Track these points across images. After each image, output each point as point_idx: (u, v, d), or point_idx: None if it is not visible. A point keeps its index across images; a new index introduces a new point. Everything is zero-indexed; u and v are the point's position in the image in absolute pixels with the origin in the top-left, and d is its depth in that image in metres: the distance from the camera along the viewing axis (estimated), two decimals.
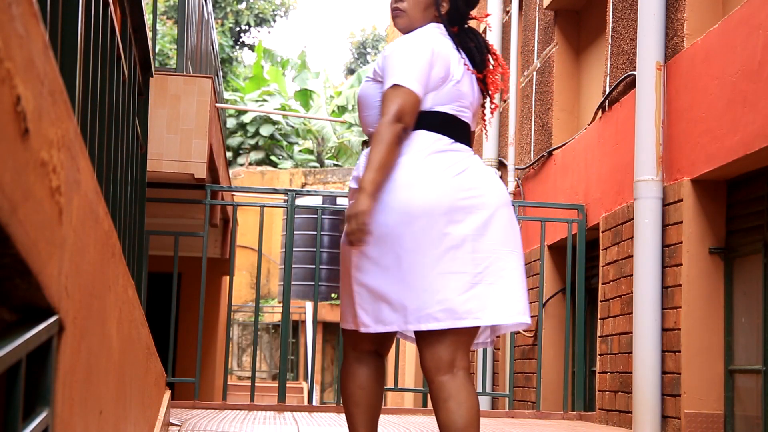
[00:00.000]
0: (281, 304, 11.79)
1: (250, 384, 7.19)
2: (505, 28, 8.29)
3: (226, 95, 22.59)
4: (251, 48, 27.38)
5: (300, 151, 24.04)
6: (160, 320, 6.41)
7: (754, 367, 4.35)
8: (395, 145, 2.76)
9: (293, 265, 6.74)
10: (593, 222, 5.91)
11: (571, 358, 6.21)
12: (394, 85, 2.77)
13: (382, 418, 4.69)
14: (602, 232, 5.65)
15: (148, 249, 4.98)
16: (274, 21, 27.23)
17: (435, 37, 2.91)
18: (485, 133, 3.29)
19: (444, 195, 2.75)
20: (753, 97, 4.07)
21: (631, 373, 4.90)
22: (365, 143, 3.06)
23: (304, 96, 24.66)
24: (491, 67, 3.03)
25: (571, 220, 6.08)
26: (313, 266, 17.00)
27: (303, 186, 19.70)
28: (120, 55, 2.58)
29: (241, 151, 23.26)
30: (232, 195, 9.12)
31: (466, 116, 2.95)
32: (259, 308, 11.32)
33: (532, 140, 7.44)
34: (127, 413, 1.99)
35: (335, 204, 15.89)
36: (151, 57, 3.56)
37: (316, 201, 15.99)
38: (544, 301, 6.50)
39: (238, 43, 27.28)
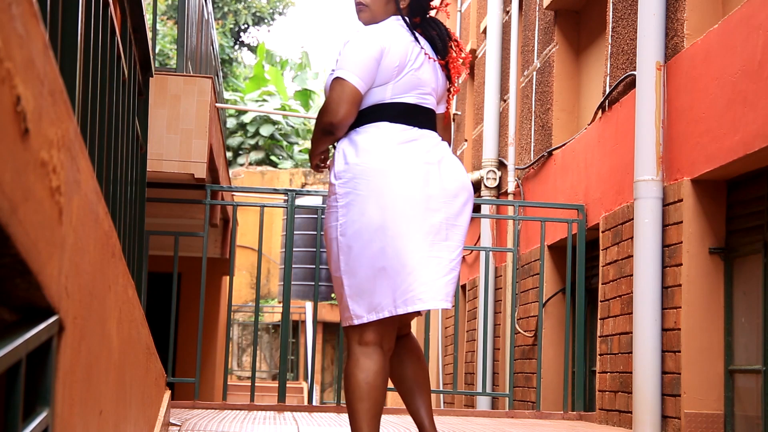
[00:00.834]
0: (281, 304, 11.79)
1: (250, 384, 7.19)
2: (505, 28, 8.29)
3: (226, 95, 22.60)
4: (251, 48, 27.37)
5: (300, 151, 24.04)
6: (160, 320, 6.41)
7: (754, 367, 4.35)
8: (325, 137, 3.00)
9: (293, 265, 6.73)
10: (593, 222, 5.91)
11: (571, 358, 6.21)
12: (336, 78, 2.95)
13: (383, 418, 4.69)
14: (602, 232, 5.65)
15: (148, 249, 4.98)
16: (272, 20, 27.21)
17: (389, 30, 3.04)
18: (452, 117, 3.38)
19: (420, 182, 2.91)
20: (753, 97, 4.07)
21: (631, 373, 4.90)
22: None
23: (304, 96, 24.66)
24: (454, 54, 3.16)
25: (571, 220, 6.07)
26: (313, 266, 17.00)
27: (303, 186, 19.70)
28: (120, 55, 2.58)
29: (241, 151, 23.26)
30: (232, 195, 9.12)
31: (428, 102, 3.07)
32: (259, 308, 11.32)
33: (532, 140, 7.44)
34: (127, 413, 1.99)
35: None
36: (151, 57, 3.56)
37: (316, 201, 15.98)
38: (544, 301, 6.50)
39: (238, 43, 27.28)
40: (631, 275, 4.97)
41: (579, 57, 7.03)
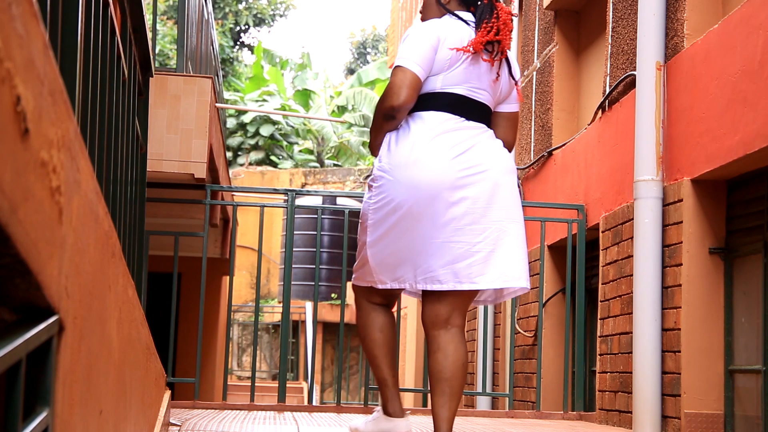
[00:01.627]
0: (281, 304, 11.79)
1: (250, 384, 7.19)
2: None
3: (226, 95, 22.60)
4: (251, 48, 27.36)
5: (300, 151, 24.04)
6: (160, 320, 6.41)
7: (754, 367, 4.35)
8: (387, 123, 3.17)
9: (293, 265, 6.74)
10: (593, 222, 5.91)
11: (571, 358, 6.21)
12: (396, 66, 3.14)
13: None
14: (602, 232, 5.65)
15: (148, 249, 4.98)
16: (273, 21, 27.21)
17: (445, 24, 3.24)
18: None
19: (445, 174, 3.10)
20: (753, 97, 4.07)
21: (631, 373, 4.91)
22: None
23: (304, 96, 24.66)
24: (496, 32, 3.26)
25: (571, 220, 6.08)
26: (313, 266, 17.00)
27: (303, 186, 19.69)
28: (120, 55, 2.58)
29: (241, 151, 23.26)
30: (232, 195, 9.12)
31: (481, 97, 3.24)
32: (259, 308, 11.32)
33: (532, 140, 7.44)
34: (127, 413, 1.99)
35: (335, 204, 15.89)
36: (151, 57, 3.56)
37: (316, 201, 15.98)
38: (544, 301, 6.50)
39: (238, 43, 27.27)
40: (631, 275, 4.98)
41: (579, 57, 7.03)
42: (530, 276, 6.88)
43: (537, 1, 7.53)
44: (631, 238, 5.07)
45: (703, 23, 4.73)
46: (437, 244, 3.07)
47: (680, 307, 4.56)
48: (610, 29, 5.80)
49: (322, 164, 23.37)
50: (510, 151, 3.32)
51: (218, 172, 7.23)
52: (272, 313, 18.76)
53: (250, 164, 22.45)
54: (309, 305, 16.53)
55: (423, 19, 3.34)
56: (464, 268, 3.06)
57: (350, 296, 17.00)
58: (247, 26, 26.86)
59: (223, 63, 24.98)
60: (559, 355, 6.50)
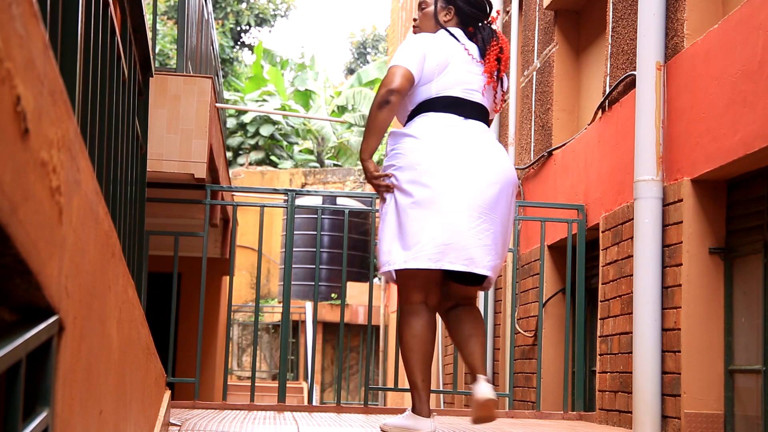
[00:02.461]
0: (281, 304, 11.79)
1: (250, 384, 7.19)
2: (505, 28, 8.30)
3: (226, 95, 22.60)
4: (251, 48, 27.36)
5: (300, 151, 24.04)
6: (160, 320, 6.41)
7: (754, 367, 4.35)
8: (382, 110, 3.41)
9: (293, 265, 6.73)
10: (593, 222, 5.91)
11: (571, 358, 6.21)
12: (390, 66, 3.48)
13: (383, 419, 4.69)
14: (602, 232, 5.65)
15: (148, 249, 4.98)
16: (275, 21, 27.21)
17: (432, 38, 3.57)
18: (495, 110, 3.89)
19: (458, 158, 3.40)
20: (753, 97, 4.07)
21: (631, 373, 4.90)
22: None
23: (304, 96, 24.65)
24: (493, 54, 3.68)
25: (571, 220, 6.07)
26: (313, 266, 17.00)
27: (303, 186, 19.69)
28: (120, 55, 2.58)
29: (241, 151, 23.25)
30: (232, 195, 9.12)
31: (475, 98, 3.53)
32: (259, 308, 11.32)
33: (532, 140, 7.44)
34: (127, 413, 1.99)
35: (335, 204, 15.89)
36: (151, 57, 3.56)
37: (316, 201, 15.99)
38: (544, 301, 6.50)
39: (239, 43, 27.27)
40: (631, 275, 4.97)
41: (579, 57, 7.03)
42: (531, 276, 6.90)
43: (537, 1, 7.53)
44: (631, 238, 5.07)
45: (703, 23, 4.73)
46: (441, 228, 3.38)
47: (680, 307, 4.56)
48: (610, 29, 5.80)
49: (322, 164, 23.37)
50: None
51: (218, 172, 7.23)
52: (272, 313, 18.77)
53: (250, 164, 22.45)
54: (309, 305, 16.54)
55: (416, 32, 3.64)
56: (482, 252, 3.43)
57: (350, 296, 17.01)
58: (248, 26, 26.86)
59: (223, 63, 24.98)
60: (559, 355, 6.50)
